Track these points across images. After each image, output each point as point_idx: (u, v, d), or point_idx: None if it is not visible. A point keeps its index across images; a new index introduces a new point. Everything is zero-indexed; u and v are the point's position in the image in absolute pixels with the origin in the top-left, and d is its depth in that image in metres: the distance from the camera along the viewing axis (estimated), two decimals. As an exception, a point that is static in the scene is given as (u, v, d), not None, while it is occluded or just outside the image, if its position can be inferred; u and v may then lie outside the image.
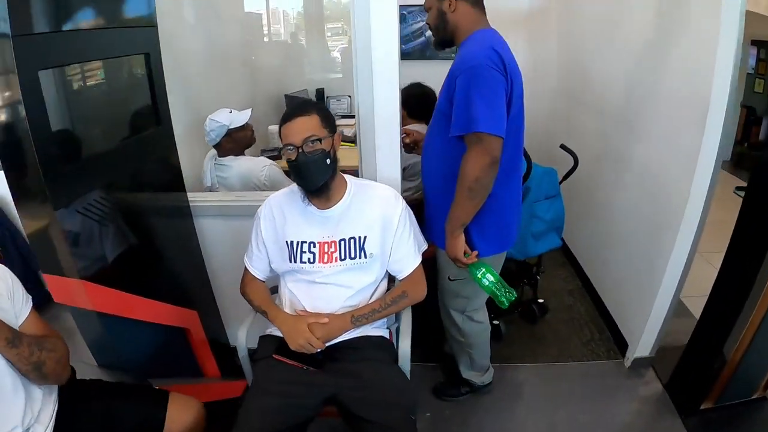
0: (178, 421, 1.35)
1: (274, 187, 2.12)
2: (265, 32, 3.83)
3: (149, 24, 1.58)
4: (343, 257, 1.46)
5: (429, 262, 1.70)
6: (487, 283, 1.52)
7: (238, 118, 2.21)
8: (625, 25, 2.27)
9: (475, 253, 1.53)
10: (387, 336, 1.56)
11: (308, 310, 1.48)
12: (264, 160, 2.28)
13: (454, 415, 1.97)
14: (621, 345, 2.27)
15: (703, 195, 1.72)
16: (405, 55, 3.55)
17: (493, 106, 1.34)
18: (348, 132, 3.14)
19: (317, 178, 1.38)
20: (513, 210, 1.62)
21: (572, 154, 2.26)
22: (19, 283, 1.28)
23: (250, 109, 2.28)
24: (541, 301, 2.50)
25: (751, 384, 1.91)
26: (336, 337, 1.44)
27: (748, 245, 1.64)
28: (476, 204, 1.44)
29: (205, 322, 1.95)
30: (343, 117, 3.57)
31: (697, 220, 1.76)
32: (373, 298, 1.52)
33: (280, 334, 1.46)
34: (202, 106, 2.32)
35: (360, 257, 1.46)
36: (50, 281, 1.53)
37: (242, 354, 1.55)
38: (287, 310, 1.52)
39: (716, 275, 1.76)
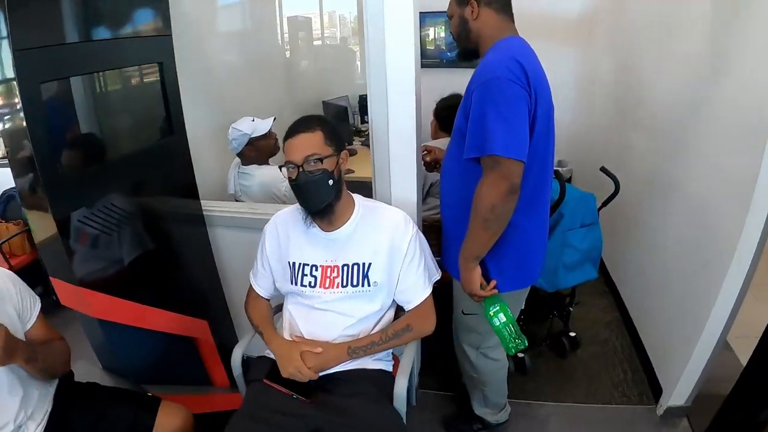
0: (166, 427, 1.38)
1: (293, 200, 2.08)
2: (314, 36, 3.78)
3: (163, 33, 1.56)
4: (345, 284, 1.37)
5: (447, 287, 1.59)
6: (497, 323, 1.38)
7: (261, 126, 2.19)
8: (680, 37, 2.05)
9: (493, 283, 1.39)
10: (389, 369, 1.46)
11: (305, 335, 1.41)
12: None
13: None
14: (655, 389, 2.05)
15: (759, 228, 1.50)
16: (450, 63, 3.46)
17: (512, 126, 1.19)
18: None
19: (318, 199, 1.30)
20: (536, 242, 1.46)
21: (613, 179, 2.07)
22: (27, 288, 1.34)
23: (273, 118, 2.25)
24: (572, 334, 2.31)
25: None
26: (330, 368, 1.36)
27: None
28: (492, 235, 1.30)
29: (216, 331, 1.93)
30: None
31: (751, 255, 1.54)
32: (377, 329, 1.42)
33: None
34: (234, 113, 2.30)
35: (363, 285, 1.37)
36: (57, 286, 1.54)
37: (236, 373, 1.51)
38: (286, 332, 1.46)
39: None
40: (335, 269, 1.38)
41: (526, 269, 1.47)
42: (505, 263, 1.40)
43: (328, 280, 1.38)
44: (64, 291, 1.52)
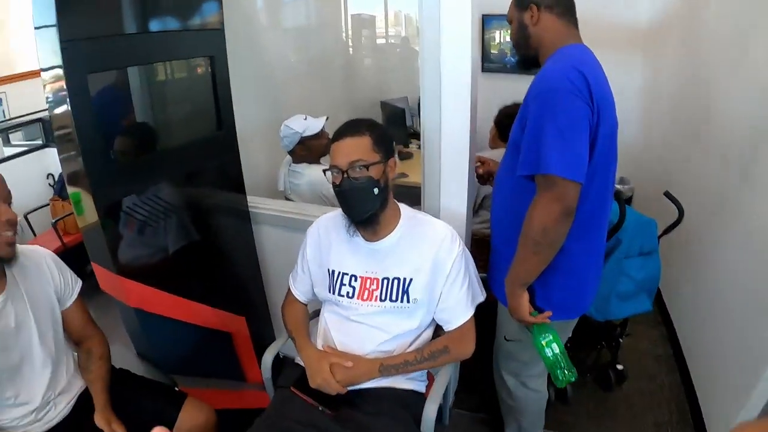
0: (188, 423, 1.40)
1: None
2: (378, 35, 3.74)
3: (215, 27, 1.54)
4: (383, 298, 1.31)
5: (492, 305, 1.49)
6: (549, 354, 1.28)
7: (313, 125, 2.17)
8: (756, 53, 1.86)
9: (548, 314, 1.28)
10: (422, 390, 1.38)
11: (337, 346, 1.35)
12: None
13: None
14: (701, 436, 1.87)
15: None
16: (515, 68, 3.29)
17: (570, 144, 1.08)
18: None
19: (362, 208, 1.24)
20: (589, 270, 1.34)
21: (677, 205, 1.90)
22: (68, 269, 1.39)
23: (326, 117, 2.22)
24: (620, 367, 2.15)
25: None
26: (359, 383, 1.30)
27: None
28: (542, 261, 1.19)
29: (254, 329, 1.92)
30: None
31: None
32: (413, 347, 1.35)
33: None
34: (291, 110, 2.30)
35: (402, 301, 1.30)
36: (98, 271, 1.57)
37: (266, 376, 1.48)
38: (320, 339, 1.41)
39: None
40: (375, 281, 1.32)
41: (576, 299, 1.36)
42: (553, 291, 1.29)
43: (366, 291, 1.33)
44: (104, 277, 1.54)
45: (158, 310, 1.59)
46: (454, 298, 1.31)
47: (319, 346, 1.39)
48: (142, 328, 1.65)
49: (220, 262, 1.79)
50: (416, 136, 3.61)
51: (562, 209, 1.10)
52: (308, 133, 2.15)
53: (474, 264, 1.38)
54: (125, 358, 1.74)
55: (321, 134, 2.20)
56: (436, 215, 1.58)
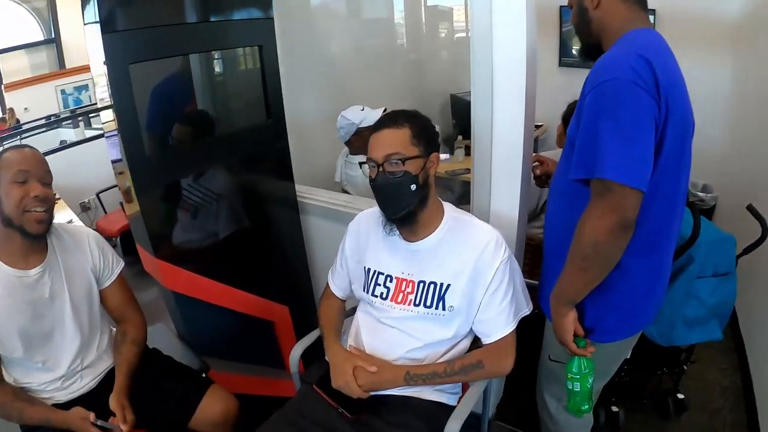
0: (208, 409, 1.43)
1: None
2: (455, 28, 3.64)
3: (265, 16, 1.53)
4: (417, 302, 1.24)
5: (540, 318, 1.38)
6: (573, 387, 1.17)
7: (370, 116, 2.13)
8: None
9: (591, 350, 1.15)
10: (452, 403, 1.29)
11: (366, 349, 1.30)
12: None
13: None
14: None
15: None
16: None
17: (631, 144, 0.93)
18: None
19: (397, 205, 1.16)
20: (650, 291, 1.18)
21: (761, 222, 1.67)
22: (111, 249, 1.43)
23: (383, 109, 2.17)
24: (681, 396, 1.95)
25: None
26: (382, 390, 1.24)
27: None
28: (592, 279, 1.05)
29: (297, 319, 1.91)
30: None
31: None
32: (446, 357, 1.26)
33: None
34: (356, 102, 2.27)
35: (437, 308, 1.22)
36: (142, 254, 1.60)
37: (293, 370, 1.46)
38: (351, 339, 1.37)
39: None
40: (411, 284, 1.25)
41: (633, 321, 1.21)
42: (606, 312, 1.15)
43: (401, 294, 1.26)
44: (148, 260, 1.56)
45: (202, 295, 1.62)
46: (494, 309, 1.21)
47: (348, 346, 1.34)
48: (182, 310, 1.67)
49: (268, 250, 1.79)
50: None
51: (618, 221, 0.96)
52: (365, 123, 2.12)
53: (521, 274, 1.28)
54: (165, 337, 1.78)
55: None
56: (485, 217, 1.49)
